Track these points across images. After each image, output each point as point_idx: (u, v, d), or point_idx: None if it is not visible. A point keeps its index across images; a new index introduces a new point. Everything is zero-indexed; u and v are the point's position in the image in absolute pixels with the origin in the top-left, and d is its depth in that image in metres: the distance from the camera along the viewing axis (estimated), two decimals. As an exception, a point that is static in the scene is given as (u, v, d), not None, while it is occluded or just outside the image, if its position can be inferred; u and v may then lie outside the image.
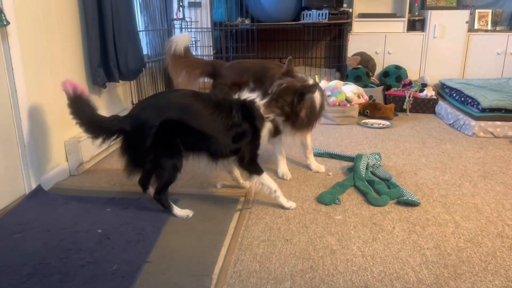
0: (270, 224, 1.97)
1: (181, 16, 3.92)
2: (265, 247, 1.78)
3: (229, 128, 2.00)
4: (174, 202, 2.18)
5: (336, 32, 4.82)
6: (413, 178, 2.51)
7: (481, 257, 1.69)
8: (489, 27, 4.84)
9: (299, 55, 5.00)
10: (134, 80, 3.29)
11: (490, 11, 4.83)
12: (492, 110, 3.38)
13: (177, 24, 3.96)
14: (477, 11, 4.84)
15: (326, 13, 4.09)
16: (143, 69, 3.26)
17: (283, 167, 2.53)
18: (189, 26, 4.00)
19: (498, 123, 3.34)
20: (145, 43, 3.65)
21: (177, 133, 1.96)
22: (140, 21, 3.52)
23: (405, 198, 2.17)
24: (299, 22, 4.30)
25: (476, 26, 4.85)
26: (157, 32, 3.71)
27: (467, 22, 4.55)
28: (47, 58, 2.40)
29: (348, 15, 4.58)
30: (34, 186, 2.28)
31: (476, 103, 3.50)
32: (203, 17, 4.02)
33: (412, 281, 1.54)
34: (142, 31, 3.53)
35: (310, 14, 4.22)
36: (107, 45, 2.81)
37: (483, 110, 3.41)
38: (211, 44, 4.11)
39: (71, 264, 1.64)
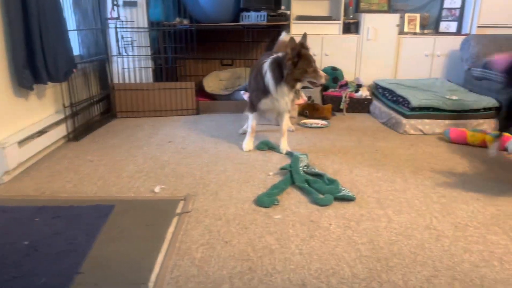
0: (210, 227, 1.95)
1: (115, 15, 3.79)
2: (204, 251, 1.75)
3: None
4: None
5: (275, 34, 4.86)
6: (348, 176, 2.59)
7: (411, 249, 1.78)
8: (417, 30, 5.11)
9: (240, 57, 5.00)
10: (65, 82, 3.13)
11: (418, 15, 5.11)
12: (421, 108, 3.58)
13: (111, 23, 3.81)
14: (406, 15, 5.09)
15: (264, 15, 4.12)
16: (74, 70, 3.11)
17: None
18: (124, 26, 3.87)
19: (427, 121, 3.54)
20: (77, 43, 3.49)
21: None
22: (71, 20, 3.35)
23: (341, 194, 2.23)
24: (238, 23, 4.31)
25: (406, 29, 5.11)
26: (90, 32, 3.56)
27: (397, 25, 4.78)
28: (-36, 59, 2.22)
29: (286, 17, 4.65)
30: (-49, 197, 2.10)
31: (407, 102, 3.69)
32: (139, 16, 3.90)
33: (347, 276, 1.59)
34: (73, 30, 3.37)
35: (249, 16, 4.23)
36: (34, 45, 2.65)
37: (413, 108, 3.59)
38: (149, 44, 4.00)
39: (-7, 280, 1.52)
